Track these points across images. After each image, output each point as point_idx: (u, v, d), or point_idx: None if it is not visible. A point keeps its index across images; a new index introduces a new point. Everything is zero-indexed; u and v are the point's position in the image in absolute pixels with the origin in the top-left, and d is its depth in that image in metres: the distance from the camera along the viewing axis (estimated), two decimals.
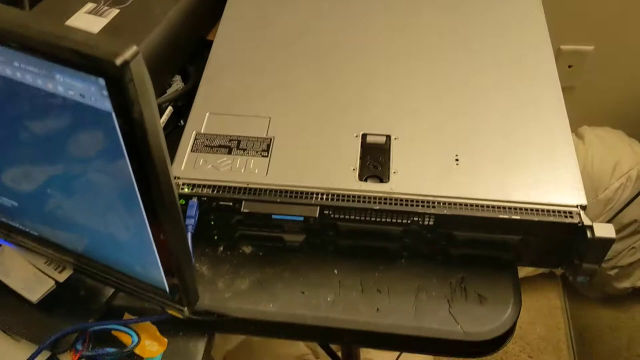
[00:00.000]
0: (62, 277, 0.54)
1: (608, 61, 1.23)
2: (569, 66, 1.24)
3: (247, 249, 0.60)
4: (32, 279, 0.53)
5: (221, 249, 0.60)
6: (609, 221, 1.14)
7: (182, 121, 0.72)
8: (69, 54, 0.32)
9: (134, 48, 0.32)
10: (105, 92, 0.33)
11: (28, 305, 0.53)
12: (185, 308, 0.48)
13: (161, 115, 0.68)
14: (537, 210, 0.53)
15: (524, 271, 1.25)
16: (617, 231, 1.16)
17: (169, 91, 0.72)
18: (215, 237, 0.59)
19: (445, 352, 0.56)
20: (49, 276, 0.54)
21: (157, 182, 0.38)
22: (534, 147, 0.58)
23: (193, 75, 0.74)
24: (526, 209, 0.53)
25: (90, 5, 0.63)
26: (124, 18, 0.63)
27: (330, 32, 0.70)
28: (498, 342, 0.55)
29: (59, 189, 0.45)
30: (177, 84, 0.74)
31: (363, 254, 0.59)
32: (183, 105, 0.72)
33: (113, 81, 0.32)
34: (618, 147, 1.16)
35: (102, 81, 0.33)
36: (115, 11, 0.63)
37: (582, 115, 1.30)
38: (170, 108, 0.69)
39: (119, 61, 0.31)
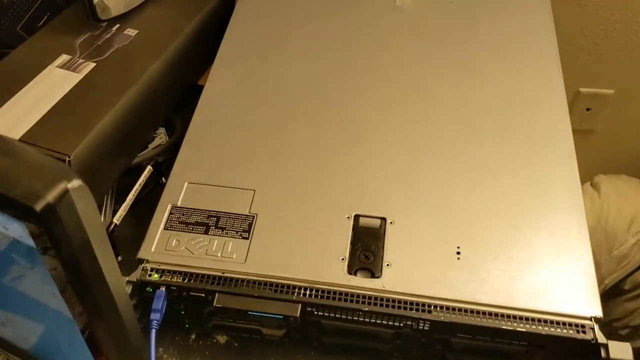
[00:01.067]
0: None
1: (628, 106, 1.16)
2: (587, 109, 1.18)
3: (222, 339, 0.54)
4: None
5: (193, 337, 0.54)
6: (623, 279, 1.07)
7: (163, 178, 0.66)
8: None
9: (62, 185, 0.27)
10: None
11: None
12: None
13: (140, 175, 0.62)
14: (544, 320, 0.47)
15: None
16: (630, 289, 1.10)
17: (151, 146, 0.67)
18: (187, 325, 0.54)
19: None
20: None
21: (97, 311, 0.33)
22: (544, 242, 0.52)
23: (178, 129, 0.68)
24: (532, 319, 0.47)
25: (64, 58, 0.58)
26: (101, 73, 0.57)
27: (328, 98, 0.63)
28: None
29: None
30: (161, 138, 0.68)
31: (351, 353, 0.53)
32: (166, 160, 0.67)
33: (34, 226, 0.27)
34: (635, 200, 1.09)
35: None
36: (91, 65, 0.58)
37: (599, 160, 1.24)
38: (149, 168, 0.63)
39: (39, 206, 0.26)
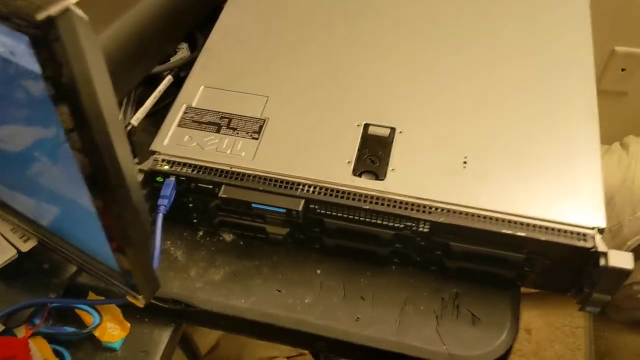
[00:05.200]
0: (25, 247, 0.51)
1: None
2: (622, 69, 1.14)
3: (228, 237, 0.55)
4: None
5: (200, 234, 0.56)
6: None
7: None
8: None
9: (65, 3, 0.28)
10: (33, 52, 0.29)
11: None
12: (141, 297, 0.44)
13: (159, 84, 0.64)
14: (546, 228, 0.47)
15: None
16: None
17: (173, 59, 0.68)
18: (195, 221, 0.55)
19: None
20: (13, 245, 0.51)
21: (96, 155, 0.34)
22: (554, 156, 0.51)
23: (200, 45, 0.69)
24: (534, 226, 0.47)
25: None
26: None
27: (345, 14, 0.64)
28: None
29: (9, 147, 0.42)
30: (183, 52, 0.69)
31: (351, 256, 0.54)
32: (186, 76, 0.68)
33: (35, 40, 0.28)
34: None
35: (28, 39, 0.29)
36: None
37: (632, 123, 1.21)
38: (169, 77, 0.64)
39: (40, 16, 0.27)
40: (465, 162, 0.51)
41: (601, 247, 0.46)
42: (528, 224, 0.47)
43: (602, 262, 0.45)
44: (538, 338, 1.16)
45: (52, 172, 0.41)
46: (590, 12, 0.63)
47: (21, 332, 0.49)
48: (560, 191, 0.49)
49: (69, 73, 0.29)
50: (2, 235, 0.51)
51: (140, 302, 0.45)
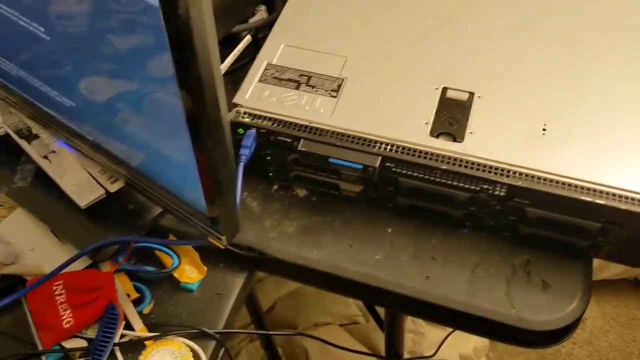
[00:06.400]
0: (113, 188, 0.54)
1: None
2: None
3: (301, 192, 0.57)
4: (84, 185, 0.53)
5: (275, 187, 0.57)
6: None
7: None
8: None
9: None
10: None
11: (77, 209, 0.53)
12: (224, 237, 0.46)
13: (237, 43, 0.65)
14: (626, 197, 0.46)
15: (605, 273, 1.15)
16: None
17: (251, 20, 0.70)
18: (271, 175, 0.57)
19: (494, 335, 0.51)
20: (101, 185, 0.54)
21: (200, 91, 0.35)
22: (638, 127, 0.50)
23: (279, 7, 0.70)
24: (614, 195, 0.47)
25: None
26: None
27: None
28: (555, 335, 0.49)
29: (108, 90, 0.44)
30: (261, 14, 0.71)
31: (423, 217, 0.54)
32: (265, 37, 0.69)
33: None
34: None
35: None
36: None
37: None
38: (248, 37, 0.66)
39: None
40: (544, 129, 0.51)
41: None
42: (607, 192, 0.47)
43: None
44: (592, 327, 1.15)
45: (151, 114, 0.43)
46: None
47: (106, 267, 0.52)
48: None
49: (185, 5, 0.31)
50: (92, 176, 0.54)
51: (222, 243, 0.47)
